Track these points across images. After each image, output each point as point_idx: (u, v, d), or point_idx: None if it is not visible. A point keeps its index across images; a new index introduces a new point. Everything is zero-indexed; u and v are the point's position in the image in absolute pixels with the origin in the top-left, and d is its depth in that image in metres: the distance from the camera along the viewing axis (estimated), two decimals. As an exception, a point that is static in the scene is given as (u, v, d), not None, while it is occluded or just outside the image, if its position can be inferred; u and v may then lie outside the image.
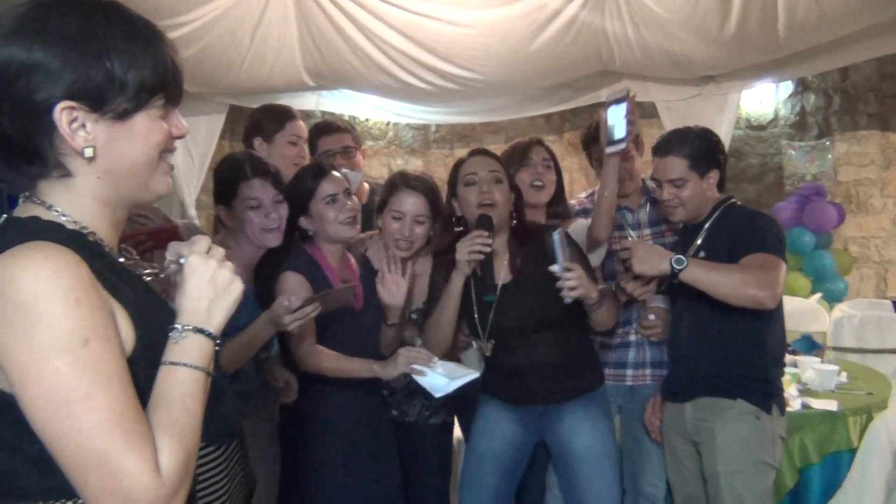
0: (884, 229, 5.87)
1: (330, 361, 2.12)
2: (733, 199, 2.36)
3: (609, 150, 2.30)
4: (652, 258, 2.13)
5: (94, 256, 0.98)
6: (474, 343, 2.26)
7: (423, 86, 4.43)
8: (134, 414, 0.92)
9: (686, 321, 2.33)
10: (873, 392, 2.83)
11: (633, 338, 2.62)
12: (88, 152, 0.98)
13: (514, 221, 2.31)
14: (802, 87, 5.75)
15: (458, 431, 2.78)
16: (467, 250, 2.13)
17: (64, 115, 0.95)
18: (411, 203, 2.36)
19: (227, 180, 2.17)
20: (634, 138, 2.75)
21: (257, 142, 2.73)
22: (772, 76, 4.72)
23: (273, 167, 2.22)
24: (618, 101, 2.29)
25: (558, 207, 2.63)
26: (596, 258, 2.51)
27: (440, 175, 6.26)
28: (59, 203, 1.00)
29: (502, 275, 2.26)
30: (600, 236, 2.40)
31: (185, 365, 1.00)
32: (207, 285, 1.05)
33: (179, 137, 1.08)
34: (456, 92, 4.55)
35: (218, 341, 1.06)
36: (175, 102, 1.06)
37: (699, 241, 2.31)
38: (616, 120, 2.28)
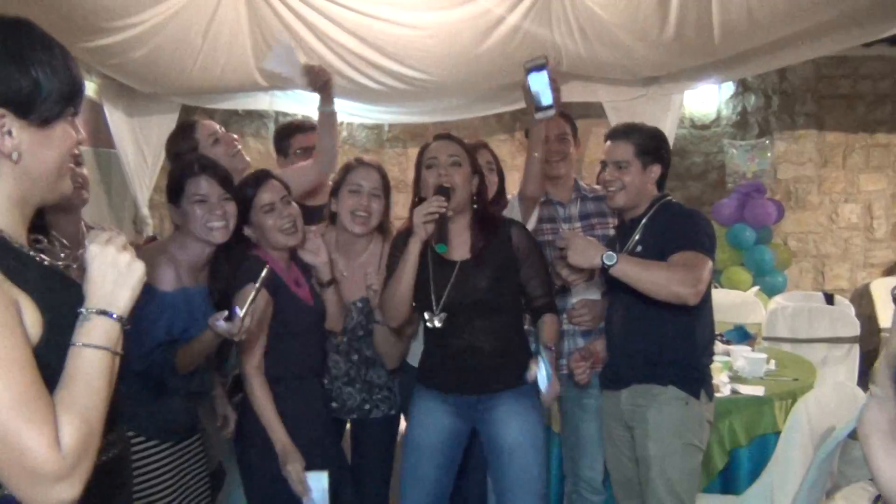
0: (821, 225, 6.12)
1: (261, 406, 2.23)
2: (669, 197, 2.49)
3: (538, 115, 2.50)
4: (587, 251, 2.25)
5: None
6: (425, 316, 2.35)
7: (376, 86, 4.49)
8: (34, 394, 0.99)
9: (621, 312, 2.45)
10: (798, 378, 3.00)
11: (565, 327, 2.74)
12: (15, 156, 1.07)
13: (475, 206, 2.41)
14: (743, 88, 5.97)
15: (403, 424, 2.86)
16: (423, 212, 2.25)
17: None
18: (368, 177, 2.53)
19: (175, 178, 2.23)
20: (573, 136, 2.91)
21: None
22: (713, 77, 4.90)
23: (222, 168, 2.28)
24: (537, 69, 2.45)
25: (497, 206, 2.77)
26: (531, 223, 2.74)
27: (394, 174, 6.36)
28: None
29: (460, 252, 2.37)
30: (533, 194, 2.62)
31: (90, 346, 1.07)
32: (109, 269, 1.12)
33: (81, 143, 1.18)
34: (408, 92, 4.62)
35: (125, 322, 1.12)
36: (78, 112, 1.15)
37: (637, 237, 2.42)
38: (540, 87, 2.46)
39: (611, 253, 2.21)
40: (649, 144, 2.44)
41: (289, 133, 3.19)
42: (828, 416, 2.43)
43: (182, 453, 2.19)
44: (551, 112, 2.47)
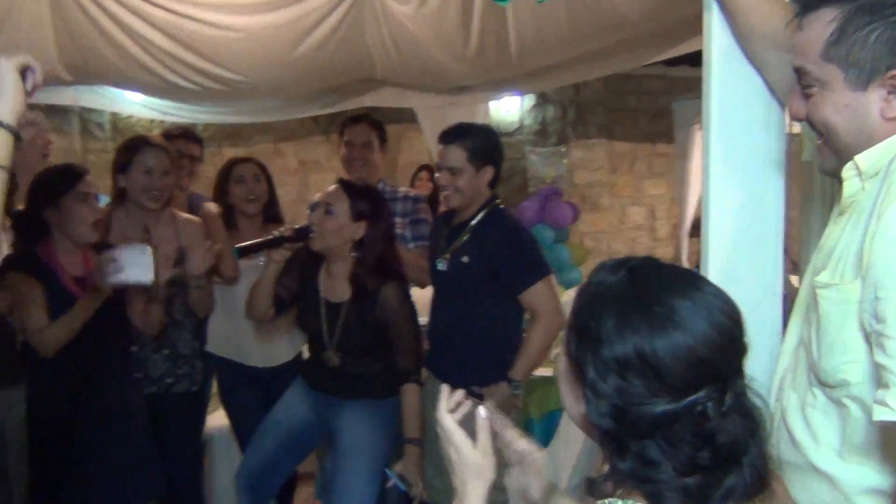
0: (612, 225, 6.77)
1: (63, 323, 2.34)
2: (498, 201, 2.66)
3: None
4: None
5: None
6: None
7: (189, 85, 4.43)
8: None
9: (449, 311, 2.67)
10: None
11: None
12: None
13: None
14: (543, 99, 6.47)
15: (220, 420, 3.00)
16: None
17: None
18: (158, 158, 2.79)
19: None
20: (380, 142, 3.13)
21: None
22: (515, 89, 5.30)
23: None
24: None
25: (272, 211, 3.18)
26: None
27: (210, 174, 6.27)
28: None
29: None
30: None
31: None
32: None
33: None
34: (223, 92, 4.60)
35: (10, 125, 1.24)
36: None
37: (465, 239, 2.59)
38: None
39: (515, 383, 2.50)
40: (482, 147, 2.60)
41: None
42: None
43: None
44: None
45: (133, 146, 2.80)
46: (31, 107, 3.89)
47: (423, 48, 4.19)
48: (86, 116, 5.54)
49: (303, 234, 2.55)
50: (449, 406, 1.20)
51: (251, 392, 3.02)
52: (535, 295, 2.53)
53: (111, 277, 2.29)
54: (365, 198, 2.59)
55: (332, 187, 2.62)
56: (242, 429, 3.07)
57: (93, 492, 2.37)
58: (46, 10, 3.89)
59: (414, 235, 3.25)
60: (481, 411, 1.18)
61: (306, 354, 2.98)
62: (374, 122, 3.32)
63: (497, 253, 2.52)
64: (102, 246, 2.53)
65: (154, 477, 2.55)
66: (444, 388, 1.22)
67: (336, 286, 2.58)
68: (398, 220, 3.14)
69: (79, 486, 2.36)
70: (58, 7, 3.88)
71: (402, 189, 3.44)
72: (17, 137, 1.21)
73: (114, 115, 5.39)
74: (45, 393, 2.36)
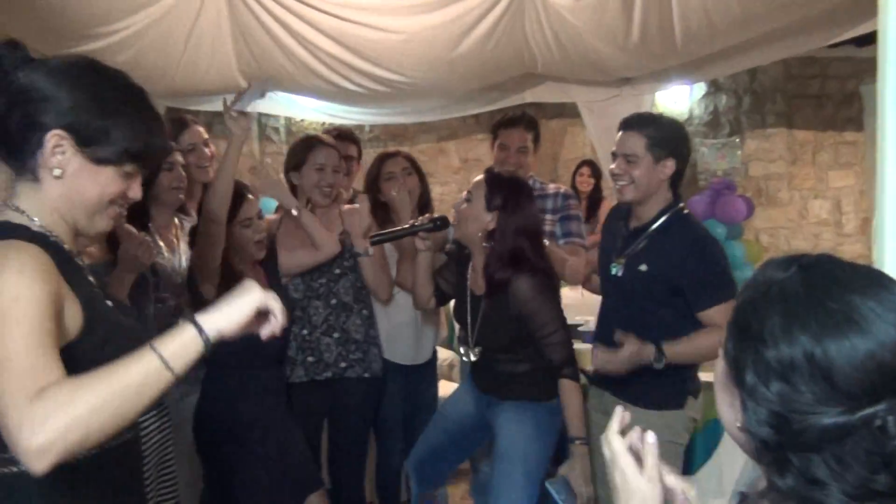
0: (791, 220, 6.30)
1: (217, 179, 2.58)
2: (683, 206, 2.44)
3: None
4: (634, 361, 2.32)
5: (54, 253, 1.20)
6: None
7: (355, 88, 4.61)
8: (25, 355, 1.03)
9: (615, 323, 2.48)
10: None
11: None
12: (57, 172, 1.23)
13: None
14: (715, 88, 6.13)
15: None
16: None
17: (53, 139, 1.21)
18: (330, 155, 2.94)
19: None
20: (534, 142, 3.08)
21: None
22: (683, 78, 5.04)
23: None
24: None
25: (425, 200, 3.27)
26: None
27: (376, 172, 6.51)
28: (28, 207, 1.24)
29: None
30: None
31: (154, 350, 1.10)
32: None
33: (132, 200, 1.33)
34: (386, 94, 4.75)
35: (208, 340, 1.13)
36: (146, 170, 1.32)
37: (644, 245, 2.38)
38: None
39: (658, 355, 2.29)
40: (665, 137, 2.37)
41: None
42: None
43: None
44: None
45: (306, 145, 2.93)
46: (215, 114, 4.11)
47: (585, 40, 4.09)
48: (263, 121, 5.90)
49: (438, 223, 2.57)
50: (619, 428, 1.12)
51: (394, 385, 3.08)
52: (715, 316, 2.27)
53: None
54: (503, 189, 2.54)
55: (478, 177, 2.62)
56: (382, 419, 3.14)
57: (261, 492, 2.45)
58: (227, 26, 4.17)
59: (563, 232, 3.18)
60: (650, 436, 1.09)
61: (441, 354, 3.01)
62: (530, 123, 3.31)
63: (681, 266, 2.30)
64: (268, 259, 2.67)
65: (313, 471, 2.66)
66: (619, 409, 1.15)
67: (478, 278, 2.58)
68: (548, 216, 3.09)
69: (245, 487, 2.45)
70: (236, 21, 4.14)
71: (553, 185, 3.40)
72: (206, 350, 1.13)
73: (288, 119, 5.70)
74: (215, 390, 2.49)
